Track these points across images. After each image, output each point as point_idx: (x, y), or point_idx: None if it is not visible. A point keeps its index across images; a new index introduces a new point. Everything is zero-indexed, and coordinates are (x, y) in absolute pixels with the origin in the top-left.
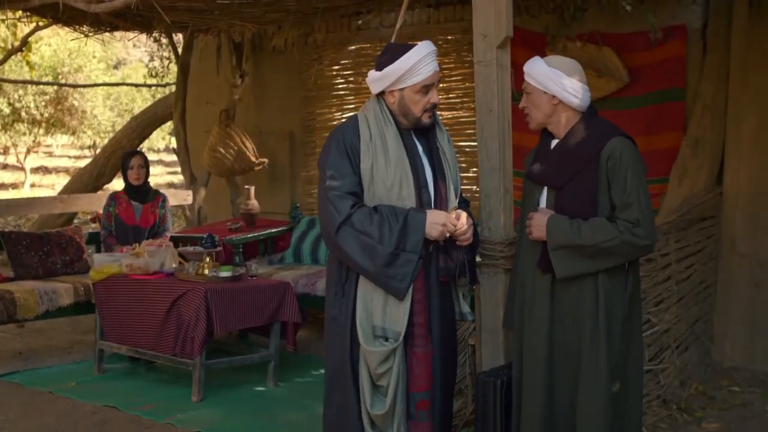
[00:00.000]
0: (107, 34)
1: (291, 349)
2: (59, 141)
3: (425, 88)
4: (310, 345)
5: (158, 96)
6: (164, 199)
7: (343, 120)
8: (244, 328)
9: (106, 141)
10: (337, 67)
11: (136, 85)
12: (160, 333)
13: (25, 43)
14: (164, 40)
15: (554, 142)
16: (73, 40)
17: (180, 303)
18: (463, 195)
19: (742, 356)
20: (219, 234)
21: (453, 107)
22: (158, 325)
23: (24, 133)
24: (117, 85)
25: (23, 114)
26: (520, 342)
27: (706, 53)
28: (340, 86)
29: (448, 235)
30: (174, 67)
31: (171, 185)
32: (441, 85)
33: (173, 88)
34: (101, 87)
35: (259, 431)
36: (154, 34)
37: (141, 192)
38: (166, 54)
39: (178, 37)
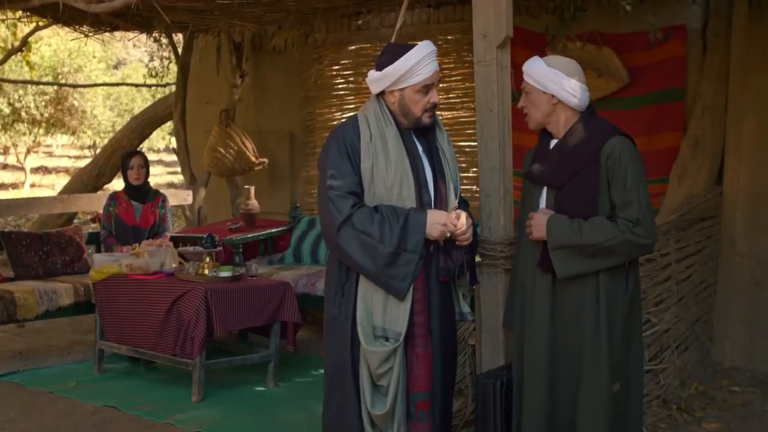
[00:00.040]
0: (107, 34)
1: (291, 349)
2: (59, 141)
3: (425, 88)
4: (310, 345)
5: (158, 96)
6: (164, 199)
7: (343, 120)
8: (244, 328)
9: (106, 141)
10: (337, 67)
11: (136, 85)
12: (160, 333)
13: (25, 43)
14: (164, 40)
15: (553, 142)
16: (73, 40)
17: (180, 303)
18: (463, 195)
19: (742, 356)
20: (219, 234)
21: (453, 107)
22: (158, 325)
23: (24, 133)
24: (117, 85)
25: (23, 114)
26: (520, 342)
27: (706, 53)
28: (340, 86)
29: (448, 235)
30: (174, 67)
31: (171, 185)
32: (441, 85)
33: (173, 88)
34: (101, 87)
35: (259, 431)
36: (154, 34)
37: (141, 192)
38: (166, 54)
39: (178, 37)
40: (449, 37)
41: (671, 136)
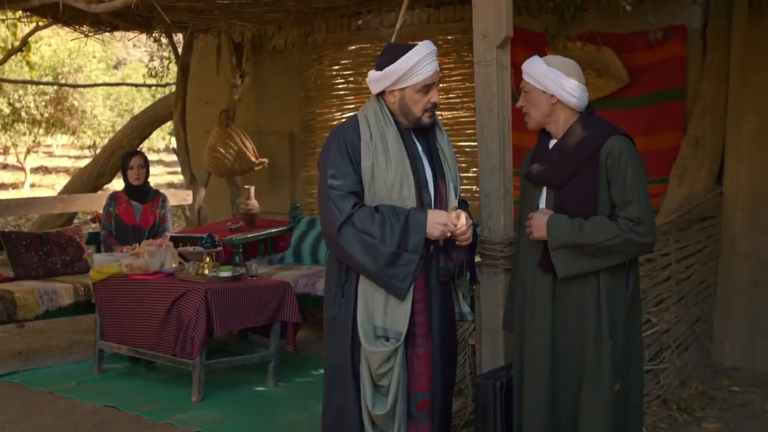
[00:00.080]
0: (107, 34)
1: (291, 349)
2: (59, 141)
3: (426, 88)
4: (310, 345)
5: (158, 96)
6: (164, 199)
7: (343, 120)
8: (244, 328)
9: (106, 141)
10: (337, 67)
11: (136, 85)
12: (160, 333)
13: (25, 43)
14: (164, 40)
15: (552, 142)
16: (73, 40)
17: (180, 303)
18: (463, 195)
19: (742, 356)
20: (219, 234)
21: (453, 107)
22: (158, 325)
23: (24, 133)
24: (117, 85)
25: (23, 114)
26: (520, 342)
27: (706, 53)
28: (340, 86)
29: (448, 234)
30: (174, 67)
31: (171, 185)
32: (441, 85)
33: (173, 88)
34: (101, 87)
35: (259, 431)
36: (154, 34)
37: (141, 192)
38: (166, 54)
39: (178, 37)
40: (449, 37)
41: (671, 136)
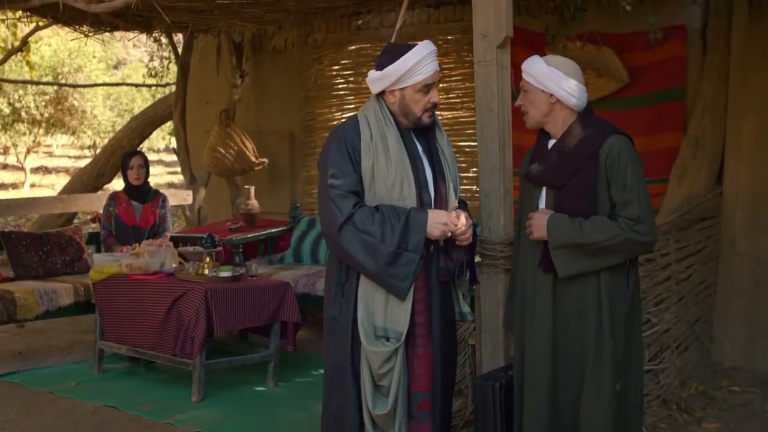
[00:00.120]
0: (107, 34)
1: (291, 349)
2: (59, 141)
3: (426, 88)
4: (310, 345)
5: (158, 96)
6: (164, 199)
7: (343, 120)
8: (244, 328)
9: (106, 141)
10: (337, 67)
11: (136, 85)
12: (160, 333)
13: (25, 43)
14: (164, 40)
15: (551, 142)
16: (73, 40)
17: (180, 303)
18: (463, 195)
19: (742, 356)
20: (219, 234)
21: (453, 107)
22: (158, 325)
23: (24, 133)
24: (117, 85)
25: (23, 114)
26: (521, 342)
27: (706, 53)
28: (340, 86)
29: (449, 234)
30: (174, 67)
31: (171, 185)
32: (441, 85)
33: (173, 88)
34: (101, 87)
35: (259, 431)
36: (154, 34)
37: (141, 192)
38: (166, 54)
39: (178, 37)
40: (449, 37)
41: (671, 136)
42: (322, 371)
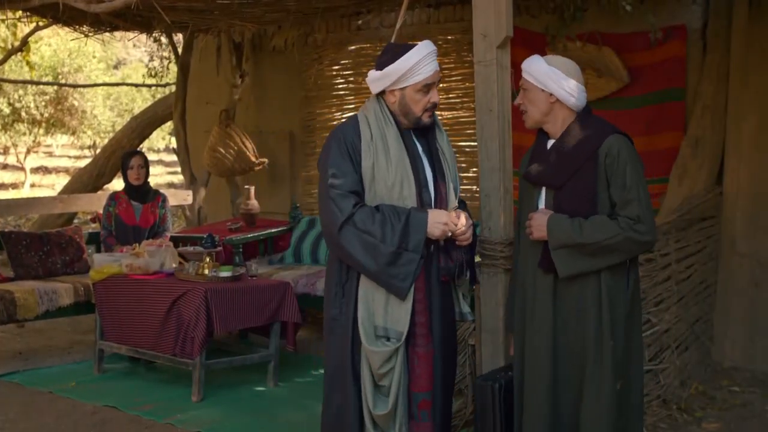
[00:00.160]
0: (107, 34)
1: (291, 349)
2: (59, 141)
3: (426, 88)
4: (310, 345)
5: (158, 96)
6: (164, 199)
7: (343, 120)
8: (244, 328)
9: (106, 141)
10: (337, 67)
11: (136, 85)
12: (160, 333)
13: (25, 43)
14: (164, 40)
15: (550, 143)
16: (73, 40)
17: (180, 303)
18: (463, 195)
19: (742, 356)
20: (219, 234)
21: (453, 107)
22: (158, 325)
23: (24, 133)
24: (117, 85)
25: (23, 114)
26: (521, 342)
27: (706, 53)
28: (340, 86)
29: (449, 234)
30: (174, 67)
31: (171, 185)
32: (441, 85)
33: (173, 88)
34: (101, 87)
35: (259, 431)
36: (154, 34)
37: (141, 192)
38: (166, 54)
39: (178, 37)
40: (449, 37)
41: (671, 136)
42: (322, 371)
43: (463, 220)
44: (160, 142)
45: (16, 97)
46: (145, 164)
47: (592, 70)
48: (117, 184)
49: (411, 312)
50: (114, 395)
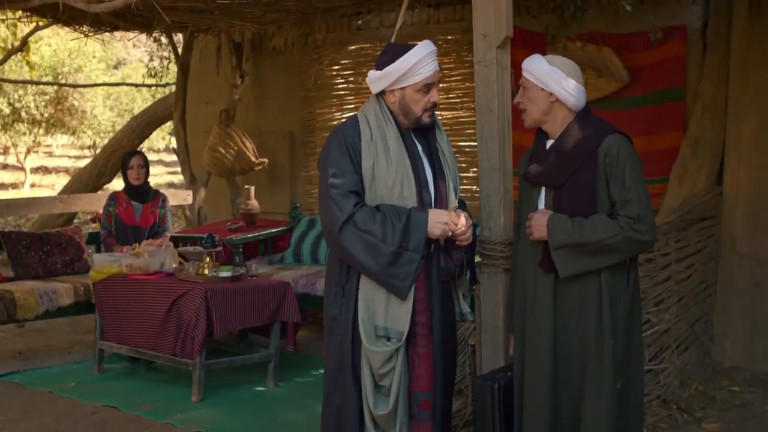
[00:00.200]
0: (107, 34)
1: (291, 349)
2: (59, 141)
3: (426, 87)
4: (310, 345)
5: (158, 96)
6: (164, 199)
7: (343, 120)
8: (244, 328)
9: (106, 141)
10: (337, 67)
11: (136, 85)
12: (160, 333)
13: (25, 43)
14: (164, 40)
15: (549, 143)
16: (73, 40)
17: (180, 303)
18: (463, 195)
19: (742, 356)
20: (219, 234)
21: (453, 107)
22: (158, 325)
23: (24, 133)
24: (117, 85)
25: (23, 114)
26: (521, 342)
27: (706, 53)
28: (340, 86)
29: (449, 234)
30: (174, 67)
31: (171, 185)
32: (441, 85)
33: (173, 88)
34: (101, 87)
35: (259, 431)
36: (154, 34)
37: (141, 192)
38: (166, 54)
39: (178, 37)
40: (449, 37)
41: (671, 136)
42: (322, 371)
43: (463, 220)
44: (160, 142)
45: (16, 97)
46: (145, 164)
47: (592, 70)
48: (117, 184)
49: (411, 312)
50: (114, 395)
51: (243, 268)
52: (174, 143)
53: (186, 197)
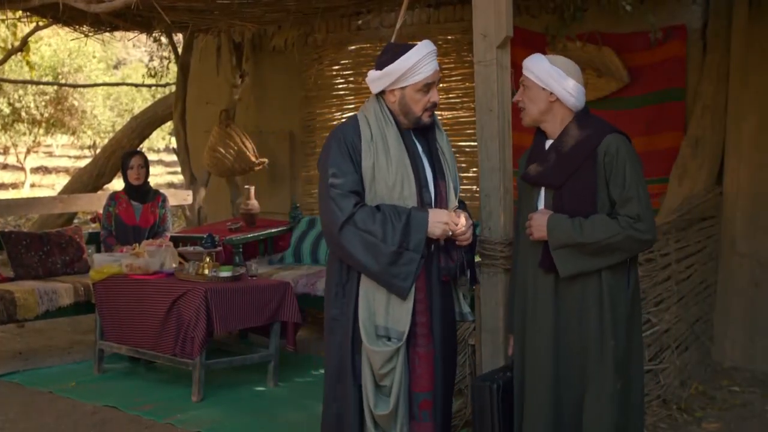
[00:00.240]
0: (107, 34)
1: (291, 349)
2: (59, 141)
3: (426, 87)
4: (310, 345)
5: (158, 96)
6: (164, 199)
7: (343, 120)
8: (244, 328)
9: (106, 141)
10: (337, 67)
11: (136, 85)
12: (160, 333)
13: (25, 43)
14: (164, 40)
15: (548, 143)
16: (73, 40)
17: (180, 303)
18: (463, 195)
19: (742, 356)
20: (219, 234)
21: (453, 107)
22: (158, 325)
23: (24, 133)
24: (117, 85)
25: (23, 114)
26: (521, 343)
27: (706, 53)
28: (340, 86)
29: (450, 234)
30: (174, 67)
31: (171, 185)
32: (441, 85)
33: (173, 88)
34: (101, 87)
35: (259, 431)
36: (154, 34)
37: (141, 192)
38: (166, 54)
39: (178, 37)
40: (449, 37)
41: (671, 136)
42: (322, 371)
43: (463, 220)
44: (160, 142)
45: (16, 97)
46: (145, 164)
47: (592, 70)
48: (117, 184)
49: (412, 312)
50: (114, 395)
51: (243, 268)
52: (174, 143)
53: (186, 197)
